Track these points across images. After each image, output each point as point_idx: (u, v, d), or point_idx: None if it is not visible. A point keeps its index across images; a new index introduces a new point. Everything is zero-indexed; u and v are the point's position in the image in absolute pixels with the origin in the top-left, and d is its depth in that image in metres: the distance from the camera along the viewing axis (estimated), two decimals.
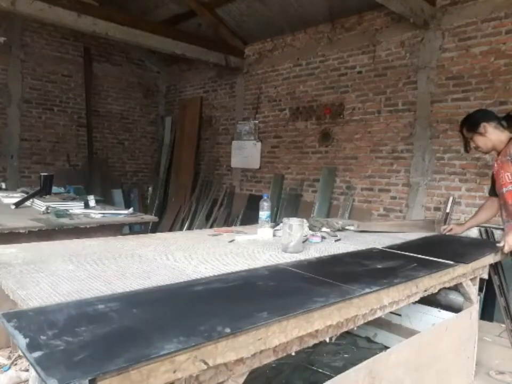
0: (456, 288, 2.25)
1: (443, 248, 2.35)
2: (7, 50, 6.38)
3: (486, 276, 2.43)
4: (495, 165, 2.58)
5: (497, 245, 2.39)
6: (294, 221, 1.98)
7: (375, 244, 2.28)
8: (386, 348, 2.49)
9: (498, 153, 2.51)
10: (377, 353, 1.65)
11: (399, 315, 2.63)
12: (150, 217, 3.69)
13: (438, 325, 2.16)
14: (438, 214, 4.31)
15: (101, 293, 1.22)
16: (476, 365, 2.44)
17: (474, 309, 2.30)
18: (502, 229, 3.70)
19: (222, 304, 1.18)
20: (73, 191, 4.42)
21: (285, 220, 2.02)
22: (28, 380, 1.97)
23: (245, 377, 1.11)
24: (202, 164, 7.35)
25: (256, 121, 6.32)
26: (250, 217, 5.59)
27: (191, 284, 1.35)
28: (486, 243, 2.46)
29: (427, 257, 1.97)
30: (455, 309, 2.36)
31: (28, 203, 3.52)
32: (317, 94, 5.51)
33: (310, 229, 2.50)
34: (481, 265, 2.28)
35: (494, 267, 2.63)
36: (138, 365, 0.82)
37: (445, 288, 2.02)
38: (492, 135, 2.45)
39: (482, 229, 3.87)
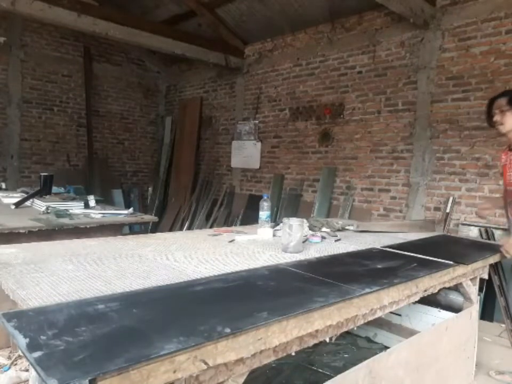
0: (456, 288, 2.25)
1: (443, 249, 2.35)
2: (7, 50, 6.38)
3: (486, 276, 2.43)
4: (503, 158, 2.53)
5: (500, 248, 2.32)
6: (294, 221, 1.98)
7: (375, 244, 2.28)
8: (386, 348, 2.49)
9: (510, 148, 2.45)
10: (377, 353, 1.65)
11: (399, 315, 2.63)
12: (150, 217, 3.69)
13: (438, 325, 2.16)
14: (438, 214, 4.31)
15: (101, 293, 1.22)
16: (476, 365, 2.44)
17: (474, 309, 2.30)
18: (503, 229, 3.71)
19: (222, 304, 1.17)
20: (73, 191, 4.42)
21: (285, 220, 2.02)
22: (28, 380, 1.97)
23: (245, 377, 1.11)
24: (202, 164, 7.35)
25: (256, 121, 6.32)
26: (250, 217, 5.59)
27: (191, 284, 1.35)
28: (486, 245, 2.45)
29: (427, 257, 1.97)
30: (455, 309, 2.36)
31: (28, 203, 3.52)
32: (317, 94, 5.51)
33: (310, 229, 2.50)
34: (481, 266, 2.28)
35: (494, 267, 2.63)
36: (138, 365, 0.82)
37: (445, 288, 2.02)
38: None
39: (483, 229, 3.88)
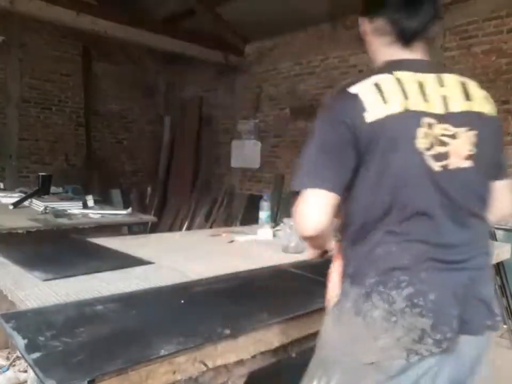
0: None
1: None
2: (5, 49, 6.36)
3: None
4: None
5: None
6: None
7: None
8: None
9: None
10: None
11: None
12: (149, 218, 3.68)
13: None
14: None
15: (99, 293, 1.21)
16: None
17: None
18: (505, 229, 3.71)
19: (221, 304, 1.17)
20: (72, 191, 4.40)
21: (285, 220, 2.01)
22: (26, 381, 1.96)
23: (244, 378, 1.10)
24: (202, 164, 7.33)
25: (257, 121, 6.31)
26: (250, 217, 5.58)
27: (190, 285, 1.34)
28: None
29: None
30: None
31: (26, 203, 3.51)
32: (318, 93, 5.49)
33: None
34: None
35: (496, 267, 2.62)
36: (137, 366, 0.81)
37: None
38: None
39: None
